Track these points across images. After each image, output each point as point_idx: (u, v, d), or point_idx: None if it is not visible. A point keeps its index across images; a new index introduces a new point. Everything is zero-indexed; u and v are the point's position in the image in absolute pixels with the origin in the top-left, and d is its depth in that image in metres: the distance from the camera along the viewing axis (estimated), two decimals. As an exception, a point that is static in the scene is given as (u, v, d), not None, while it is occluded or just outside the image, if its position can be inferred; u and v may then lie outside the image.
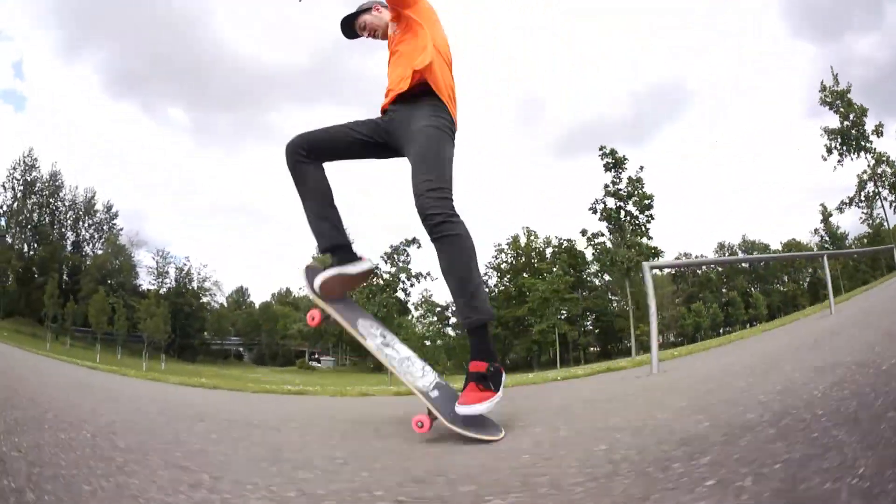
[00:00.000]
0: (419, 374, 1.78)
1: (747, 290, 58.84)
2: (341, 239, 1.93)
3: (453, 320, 50.84)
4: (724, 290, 58.09)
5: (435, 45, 1.92)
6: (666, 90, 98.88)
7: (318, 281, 1.84)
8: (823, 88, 26.62)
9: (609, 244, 25.19)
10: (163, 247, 78.31)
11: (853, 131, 25.04)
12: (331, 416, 2.88)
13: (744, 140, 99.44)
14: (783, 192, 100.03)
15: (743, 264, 58.16)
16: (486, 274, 54.38)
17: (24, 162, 54.94)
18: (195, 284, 53.35)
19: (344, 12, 2.20)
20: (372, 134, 1.94)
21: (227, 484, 1.11)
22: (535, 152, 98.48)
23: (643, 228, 24.89)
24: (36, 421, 1.88)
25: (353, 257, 1.91)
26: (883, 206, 26.27)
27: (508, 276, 54.67)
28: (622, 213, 24.87)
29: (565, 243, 54.69)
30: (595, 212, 25.04)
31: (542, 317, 43.60)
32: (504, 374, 1.71)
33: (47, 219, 53.23)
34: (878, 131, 25.08)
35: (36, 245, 53.80)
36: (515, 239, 55.44)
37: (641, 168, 25.65)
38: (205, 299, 53.86)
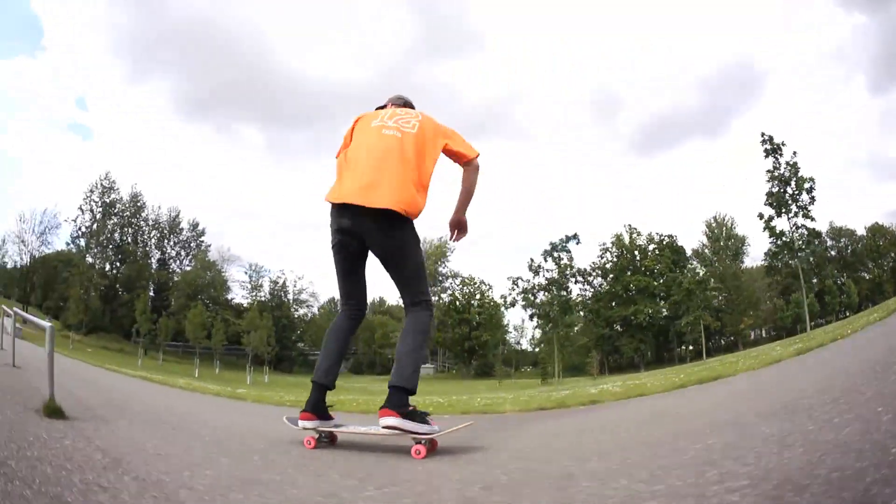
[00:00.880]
0: None
1: (837, 278, 56.65)
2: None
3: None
4: (814, 280, 56.02)
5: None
6: (735, 75, 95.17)
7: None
8: None
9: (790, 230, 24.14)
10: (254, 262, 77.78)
11: None
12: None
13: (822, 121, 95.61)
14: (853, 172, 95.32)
15: (831, 252, 56.35)
16: (591, 274, 53.35)
17: (101, 185, 56.22)
18: (290, 296, 53.67)
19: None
20: None
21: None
22: (616, 152, 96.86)
23: (807, 210, 23.77)
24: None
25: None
26: None
27: (612, 276, 53.39)
28: (789, 197, 23.82)
29: (666, 239, 53.82)
30: (772, 202, 24.03)
31: (688, 309, 42.62)
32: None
33: (130, 238, 54.11)
34: None
35: (118, 264, 54.76)
36: (619, 237, 54.10)
37: (795, 153, 24.58)
38: (301, 311, 54.26)
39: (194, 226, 55.55)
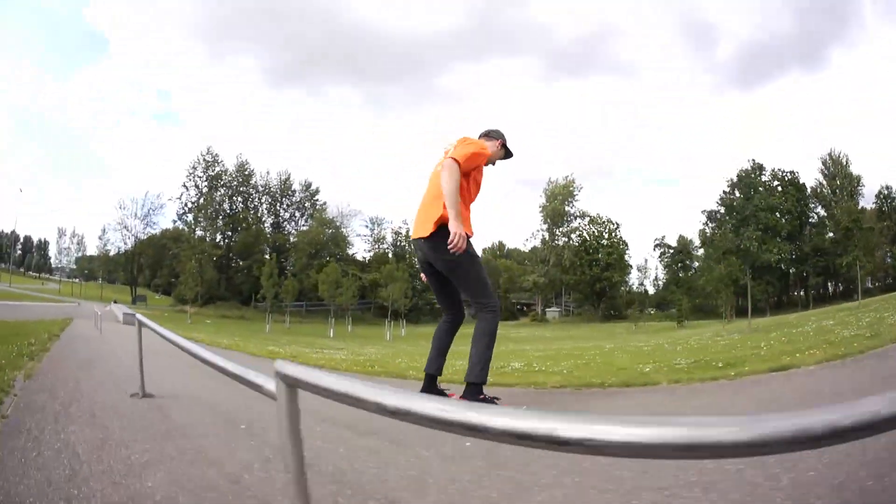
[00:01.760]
0: None
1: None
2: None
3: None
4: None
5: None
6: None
7: None
8: None
9: None
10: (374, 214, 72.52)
11: None
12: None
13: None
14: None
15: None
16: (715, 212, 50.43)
17: (204, 160, 56.30)
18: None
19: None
20: None
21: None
22: (715, 86, 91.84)
23: None
24: None
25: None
26: None
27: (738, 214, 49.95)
28: None
29: (788, 175, 50.09)
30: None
31: (846, 250, 39.35)
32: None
33: (240, 206, 53.98)
34: None
35: (230, 233, 54.74)
36: (745, 173, 50.53)
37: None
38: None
39: (307, 186, 55.01)
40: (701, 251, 52.28)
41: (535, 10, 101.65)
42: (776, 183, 52.24)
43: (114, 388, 3.86)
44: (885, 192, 54.68)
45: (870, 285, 54.81)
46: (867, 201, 54.52)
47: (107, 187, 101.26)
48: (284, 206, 54.81)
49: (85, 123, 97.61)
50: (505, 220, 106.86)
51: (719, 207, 51.55)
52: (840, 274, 51.92)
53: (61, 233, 66.14)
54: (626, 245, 48.15)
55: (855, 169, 55.50)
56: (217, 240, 54.82)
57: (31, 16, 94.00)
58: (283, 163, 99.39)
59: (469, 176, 2.81)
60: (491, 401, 2.45)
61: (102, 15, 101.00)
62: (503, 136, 3.14)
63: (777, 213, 48.58)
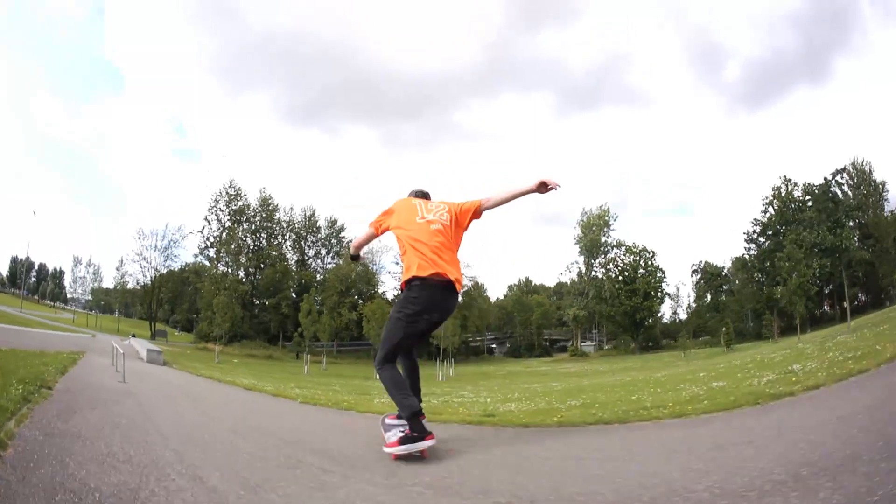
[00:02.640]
0: None
1: None
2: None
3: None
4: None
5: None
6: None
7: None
8: None
9: None
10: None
11: None
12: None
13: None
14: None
15: None
16: (754, 231, 49.43)
17: (226, 193, 54.95)
18: None
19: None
20: None
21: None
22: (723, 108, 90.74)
23: None
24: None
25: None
26: None
27: (772, 232, 48.98)
28: None
29: (816, 190, 49.01)
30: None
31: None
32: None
33: (264, 242, 52.67)
34: None
35: (253, 269, 53.45)
36: (777, 190, 49.50)
37: None
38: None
39: (332, 222, 53.78)
40: (734, 274, 51.43)
41: (546, 43, 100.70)
42: (807, 197, 51.37)
43: None
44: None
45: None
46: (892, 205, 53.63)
47: (123, 222, 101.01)
48: (309, 242, 53.57)
49: (102, 155, 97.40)
50: (527, 257, 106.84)
51: (756, 227, 50.87)
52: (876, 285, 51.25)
53: (77, 261, 64.53)
54: (664, 273, 47.12)
55: (878, 175, 54.67)
56: (240, 276, 53.46)
57: (50, 50, 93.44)
58: (303, 200, 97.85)
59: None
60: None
61: (119, 51, 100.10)
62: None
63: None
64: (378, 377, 2.92)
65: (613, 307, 46.67)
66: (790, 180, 50.85)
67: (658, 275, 47.30)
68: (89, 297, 69.65)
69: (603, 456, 2.69)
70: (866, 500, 1.54)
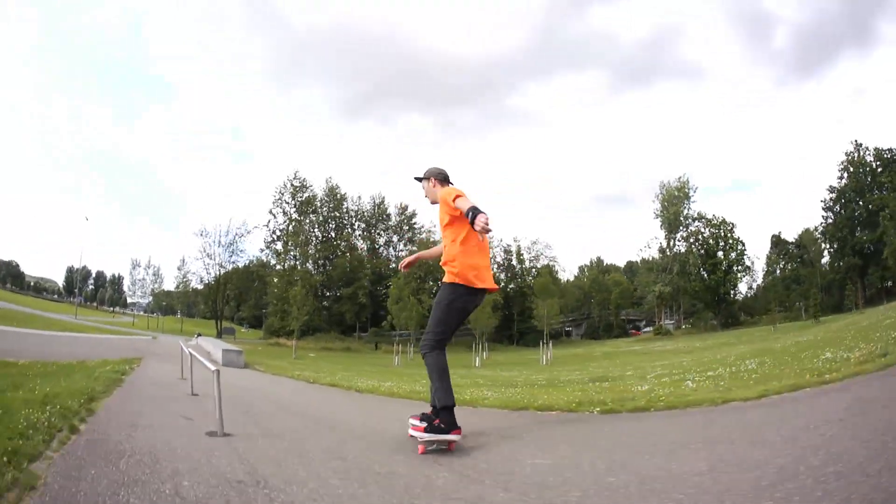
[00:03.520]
0: None
1: None
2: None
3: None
4: None
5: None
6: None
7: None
8: None
9: None
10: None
11: None
12: None
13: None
14: None
15: None
16: (832, 199, 48.36)
17: (291, 184, 55.14)
18: (526, 264, 50.97)
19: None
20: None
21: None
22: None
23: None
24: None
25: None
26: None
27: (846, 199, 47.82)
28: None
29: (886, 154, 47.73)
30: None
31: None
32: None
33: (333, 233, 52.91)
34: None
35: (323, 261, 53.68)
36: (850, 156, 48.29)
37: None
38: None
39: (403, 209, 53.75)
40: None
41: (595, 19, 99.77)
42: (877, 163, 50.10)
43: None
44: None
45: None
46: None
47: (182, 228, 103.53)
48: (380, 230, 53.64)
49: (157, 164, 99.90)
50: (592, 237, 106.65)
51: (832, 195, 49.61)
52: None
53: (135, 264, 63.65)
54: (744, 246, 46.28)
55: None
56: (309, 268, 53.70)
57: (96, 63, 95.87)
58: (370, 190, 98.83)
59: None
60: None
61: (167, 58, 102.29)
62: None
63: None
64: (425, 360, 2.95)
65: (697, 282, 45.98)
66: (861, 145, 49.68)
67: (739, 248, 46.48)
68: (150, 300, 69.88)
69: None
70: None
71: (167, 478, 2.27)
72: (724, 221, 46.90)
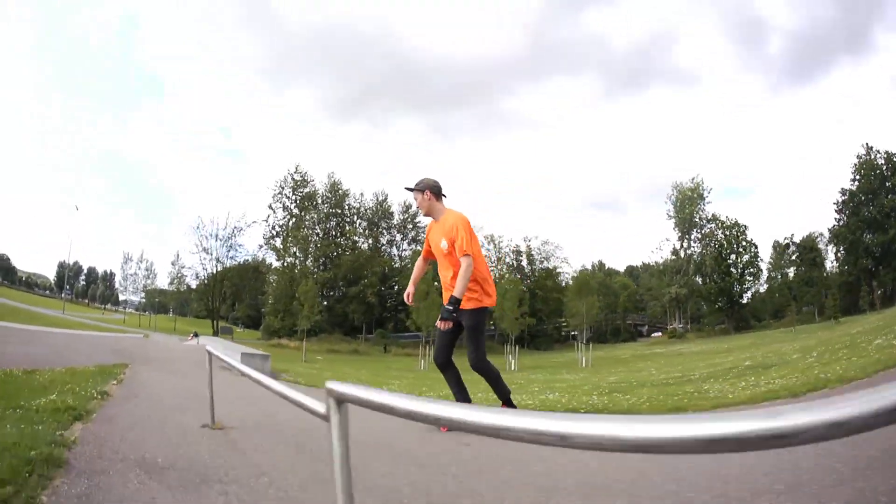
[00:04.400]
0: None
1: None
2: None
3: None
4: None
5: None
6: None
7: None
8: None
9: None
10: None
11: None
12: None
13: None
14: None
15: None
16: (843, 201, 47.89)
17: (292, 179, 53.21)
18: (538, 264, 49.61)
19: None
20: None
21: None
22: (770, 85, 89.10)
23: None
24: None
25: None
26: None
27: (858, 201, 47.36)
28: None
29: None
30: None
31: None
32: None
33: (334, 231, 51.20)
34: None
35: (323, 259, 51.92)
36: (861, 159, 47.74)
37: None
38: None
39: (406, 207, 52.03)
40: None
41: (588, 21, 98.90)
42: (888, 166, 49.81)
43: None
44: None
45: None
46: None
47: (174, 226, 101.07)
48: (382, 229, 52.09)
49: (150, 161, 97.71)
50: (594, 237, 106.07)
51: (843, 196, 49.17)
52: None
53: (127, 258, 58.99)
54: (757, 248, 45.62)
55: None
56: (308, 265, 51.89)
57: (87, 61, 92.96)
58: (371, 189, 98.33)
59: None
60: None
61: (157, 55, 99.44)
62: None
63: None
64: (480, 369, 3.45)
65: (713, 285, 45.28)
66: (871, 147, 49.27)
67: (752, 250, 45.82)
68: (142, 297, 66.63)
69: None
70: None
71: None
72: (736, 223, 46.22)
